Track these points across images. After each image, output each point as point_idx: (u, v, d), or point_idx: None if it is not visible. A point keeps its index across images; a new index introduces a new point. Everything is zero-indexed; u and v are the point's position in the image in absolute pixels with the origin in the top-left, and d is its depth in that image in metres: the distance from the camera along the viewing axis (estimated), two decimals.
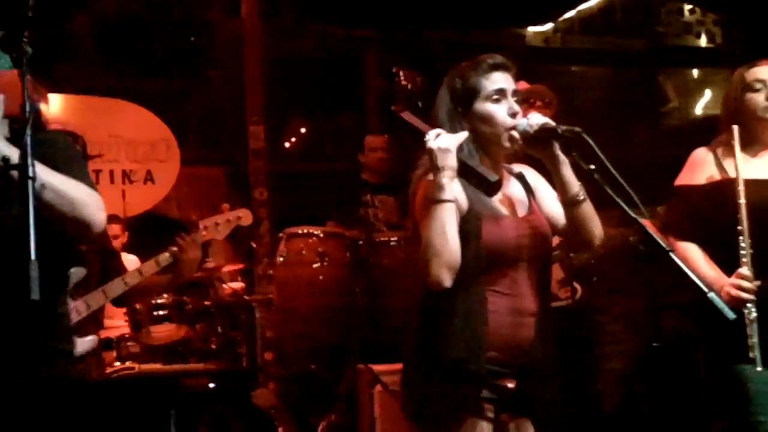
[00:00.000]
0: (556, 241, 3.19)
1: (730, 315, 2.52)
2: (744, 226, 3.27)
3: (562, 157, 2.78)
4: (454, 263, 2.65)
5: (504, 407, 2.83)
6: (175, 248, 4.09)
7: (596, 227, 2.87)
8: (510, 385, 2.81)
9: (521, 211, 2.91)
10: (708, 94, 10.58)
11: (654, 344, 6.18)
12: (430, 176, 2.72)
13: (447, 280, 2.65)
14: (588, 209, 2.84)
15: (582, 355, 4.93)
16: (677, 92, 10.59)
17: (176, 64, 8.99)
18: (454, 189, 2.69)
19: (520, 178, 2.99)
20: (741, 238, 3.28)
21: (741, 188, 3.30)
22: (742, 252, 3.28)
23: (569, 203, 2.83)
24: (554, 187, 2.90)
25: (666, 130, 10.22)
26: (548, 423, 2.91)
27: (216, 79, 9.26)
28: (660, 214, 3.94)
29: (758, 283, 3.25)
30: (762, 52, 3.72)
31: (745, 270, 3.26)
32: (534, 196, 2.97)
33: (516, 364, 2.80)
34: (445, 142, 2.65)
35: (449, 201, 2.66)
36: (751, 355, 3.20)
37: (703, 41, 10.24)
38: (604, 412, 6.10)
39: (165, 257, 4.10)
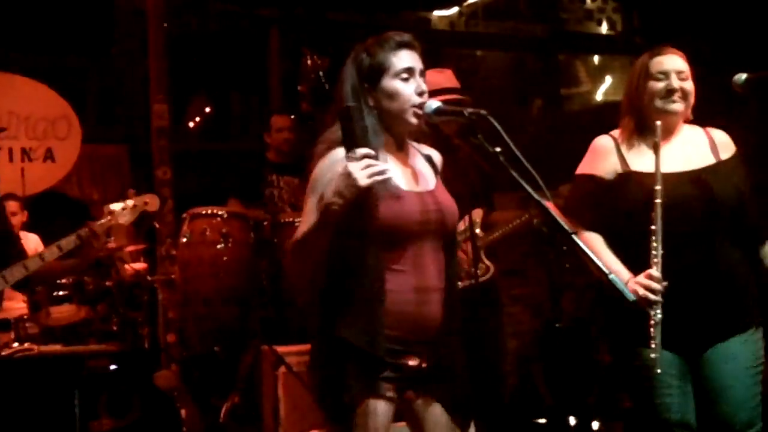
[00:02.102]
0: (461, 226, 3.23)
1: (630, 297, 2.57)
2: (658, 226, 3.24)
3: None
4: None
5: (408, 385, 2.84)
6: (81, 234, 4.02)
7: None
8: (412, 362, 2.81)
9: (427, 186, 2.93)
10: (608, 80, 10.79)
11: (556, 325, 6.30)
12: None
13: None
14: None
15: (486, 334, 4.98)
16: (578, 78, 10.78)
17: (77, 39, 8.80)
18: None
19: (428, 158, 3.01)
20: (654, 238, 3.24)
21: (659, 188, 3.27)
22: (654, 252, 3.23)
23: None
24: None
25: (566, 115, 10.39)
26: (458, 397, 2.93)
27: (118, 56, 9.10)
28: (562, 192, 3.98)
29: (665, 284, 3.21)
30: (659, 39, 3.77)
31: (654, 271, 3.22)
32: (439, 176, 2.99)
33: (419, 341, 2.82)
34: (363, 178, 2.59)
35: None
36: (652, 356, 3.17)
37: (604, 28, 10.43)
38: (504, 391, 6.20)
39: (68, 242, 4.04)
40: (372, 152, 2.62)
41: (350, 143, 2.65)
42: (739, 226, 3.40)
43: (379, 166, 2.61)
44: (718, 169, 3.44)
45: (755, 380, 3.40)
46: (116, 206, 4.27)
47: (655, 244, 3.24)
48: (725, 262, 3.36)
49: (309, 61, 6.20)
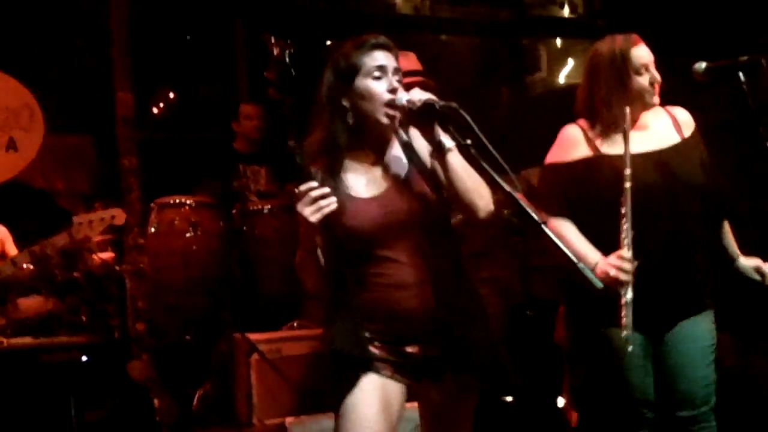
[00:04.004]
0: None
1: (599, 285, 2.62)
2: (627, 208, 3.27)
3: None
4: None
5: (421, 371, 2.89)
6: (52, 241, 4.01)
7: (478, 197, 2.88)
8: (411, 350, 2.87)
9: (396, 184, 2.94)
10: (570, 63, 10.84)
11: (527, 312, 6.34)
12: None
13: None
14: (459, 168, 2.85)
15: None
16: (541, 62, 10.82)
17: (38, 28, 8.72)
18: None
19: (407, 145, 3.01)
20: (624, 220, 3.27)
21: (628, 172, 3.29)
22: (623, 234, 3.27)
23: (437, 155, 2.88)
24: None
25: (530, 99, 10.43)
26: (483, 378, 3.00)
27: (81, 44, 9.02)
28: (525, 177, 4.01)
29: (636, 264, 3.26)
30: (620, 22, 3.80)
31: (625, 252, 3.26)
32: (419, 161, 2.98)
33: (401, 334, 2.86)
34: (312, 216, 2.68)
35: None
36: (623, 334, 3.23)
37: (566, 12, 10.46)
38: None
39: (41, 248, 4.02)
40: (314, 185, 2.70)
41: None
42: (706, 205, 3.47)
43: (325, 199, 2.69)
44: (681, 149, 3.50)
45: (711, 359, 3.50)
46: (83, 219, 4.27)
47: (625, 226, 3.28)
48: (688, 242, 3.42)
49: (275, 48, 6.18)
